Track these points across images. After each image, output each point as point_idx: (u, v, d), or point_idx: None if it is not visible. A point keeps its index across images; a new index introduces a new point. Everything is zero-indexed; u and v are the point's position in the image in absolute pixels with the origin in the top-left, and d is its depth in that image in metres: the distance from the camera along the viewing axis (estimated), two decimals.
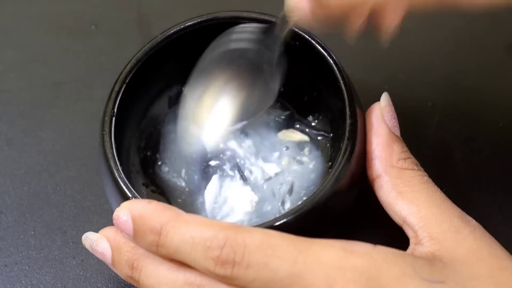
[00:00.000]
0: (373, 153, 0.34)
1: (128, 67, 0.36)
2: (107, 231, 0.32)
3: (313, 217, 0.31)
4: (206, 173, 0.37)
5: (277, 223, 0.31)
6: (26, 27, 0.50)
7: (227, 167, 0.37)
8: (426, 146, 0.44)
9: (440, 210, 0.32)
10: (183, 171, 0.38)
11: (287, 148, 0.38)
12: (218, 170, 0.37)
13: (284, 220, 0.31)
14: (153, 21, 0.49)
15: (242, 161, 0.37)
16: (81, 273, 0.39)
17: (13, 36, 0.49)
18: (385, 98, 0.35)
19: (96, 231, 0.39)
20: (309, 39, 0.36)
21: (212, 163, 0.38)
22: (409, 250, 0.31)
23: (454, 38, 0.50)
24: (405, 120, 0.39)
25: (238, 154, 0.38)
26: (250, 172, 0.37)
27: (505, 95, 0.47)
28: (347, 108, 0.33)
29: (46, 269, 0.39)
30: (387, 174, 0.33)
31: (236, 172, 0.37)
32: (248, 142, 0.38)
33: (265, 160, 0.37)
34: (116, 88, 0.35)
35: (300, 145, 0.38)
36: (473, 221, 0.32)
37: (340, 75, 0.34)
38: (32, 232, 0.40)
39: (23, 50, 0.48)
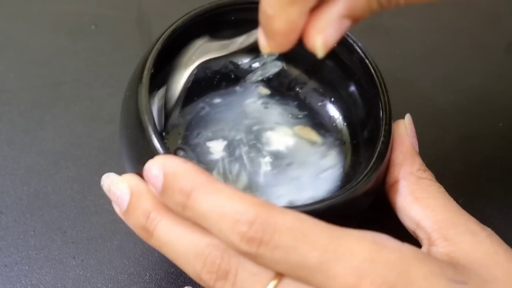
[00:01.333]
0: (395, 160, 0.34)
1: (173, 27, 0.35)
2: (131, 177, 0.31)
3: (340, 210, 0.31)
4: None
5: (309, 209, 0.30)
6: (26, 27, 0.50)
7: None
8: (426, 146, 0.44)
9: (456, 215, 0.32)
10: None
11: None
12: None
13: (316, 206, 0.31)
14: (153, 21, 0.50)
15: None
16: (81, 273, 0.39)
17: (13, 36, 0.49)
18: (408, 117, 0.36)
19: (96, 231, 0.40)
20: (349, 40, 0.36)
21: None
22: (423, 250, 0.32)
23: (454, 38, 0.50)
24: None
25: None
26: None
27: (505, 95, 0.47)
28: (383, 113, 0.35)
29: (46, 269, 0.39)
30: (406, 180, 0.34)
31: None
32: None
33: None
34: (158, 46, 0.34)
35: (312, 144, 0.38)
36: (489, 228, 0.32)
37: (378, 80, 0.36)
38: (32, 232, 0.40)
39: (23, 50, 0.48)
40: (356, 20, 0.29)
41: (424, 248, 0.32)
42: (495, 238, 0.31)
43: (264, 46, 0.30)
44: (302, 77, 0.40)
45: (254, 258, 0.27)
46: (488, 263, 0.30)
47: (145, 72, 0.33)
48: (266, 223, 0.27)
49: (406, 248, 0.28)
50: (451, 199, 0.33)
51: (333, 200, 0.31)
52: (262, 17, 0.29)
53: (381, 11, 0.29)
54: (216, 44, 0.36)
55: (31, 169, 0.42)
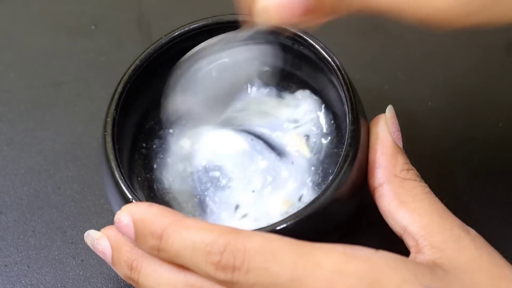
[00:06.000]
0: (377, 162, 0.34)
1: (132, 68, 0.36)
2: (108, 230, 0.33)
3: (313, 222, 0.31)
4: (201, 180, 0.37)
5: (278, 228, 0.31)
6: (26, 27, 0.50)
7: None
8: (426, 146, 0.44)
9: (441, 219, 0.32)
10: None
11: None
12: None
13: (285, 225, 0.31)
14: (153, 21, 0.49)
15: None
16: (81, 273, 0.39)
17: (13, 36, 0.49)
18: (390, 110, 0.36)
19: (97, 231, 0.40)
20: (313, 43, 0.36)
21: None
22: (410, 258, 0.31)
23: (454, 38, 0.50)
24: (405, 120, 0.39)
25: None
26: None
27: (505, 95, 0.47)
28: (349, 114, 0.33)
29: (46, 269, 0.39)
30: (390, 184, 0.33)
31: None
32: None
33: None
34: (119, 89, 0.35)
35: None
36: (473, 231, 0.32)
37: (343, 81, 0.34)
38: (32, 232, 0.40)
39: (23, 50, 0.48)
40: (311, 10, 0.29)
41: (411, 255, 0.31)
42: (479, 241, 0.31)
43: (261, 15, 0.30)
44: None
45: (232, 285, 0.28)
46: (471, 268, 0.30)
47: (108, 119, 0.34)
48: (235, 249, 0.28)
49: (378, 256, 0.28)
50: (436, 200, 0.33)
51: (301, 216, 0.31)
52: None
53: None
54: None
55: (31, 169, 0.42)
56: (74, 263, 0.39)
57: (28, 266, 0.39)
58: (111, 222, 0.38)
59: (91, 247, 0.33)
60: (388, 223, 0.33)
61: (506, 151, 0.44)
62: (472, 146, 0.44)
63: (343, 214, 0.34)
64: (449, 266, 0.30)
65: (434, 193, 0.33)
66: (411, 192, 0.33)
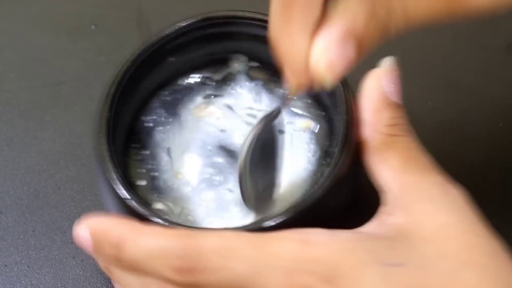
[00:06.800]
0: (362, 119, 0.33)
1: (123, 69, 0.36)
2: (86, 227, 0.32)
3: (309, 215, 0.31)
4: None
5: (272, 223, 0.31)
6: (26, 27, 0.50)
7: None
8: (426, 146, 0.44)
9: (421, 178, 0.31)
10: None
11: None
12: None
13: (280, 219, 0.31)
14: (152, 21, 0.50)
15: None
16: (81, 273, 0.39)
17: (13, 36, 0.49)
18: (386, 62, 0.34)
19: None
20: None
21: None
22: (375, 219, 0.30)
23: (454, 38, 0.50)
24: None
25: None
26: None
27: (505, 95, 0.47)
28: (343, 106, 0.33)
29: (46, 269, 0.39)
30: (373, 139, 0.32)
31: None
32: None
33: None
34: (112, 91, 0.35)
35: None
36: (455, 190, 0.30)
37: None
38: (32, 232, 0.40)
39: (23, 50, 0.48)
40: (362, 45, 0.28)
41: (380, 214, 0.31)
42: (456, 205, 0.30)
43: (290, 85, 0.30)
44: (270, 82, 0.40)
45: (193, 286, 0.28)
46: (438, 236, 0.28)
47: (102, 121, 0.34)
48: (192, 251, 0.28)
49: (334, 239, 0.28)
50: (421, 155, 0.32)
51: (296, 210, 0.31)
52: (276, 50, 0.29)
53: (387, 37, 0.29)
54: None
55: (31, 169, 0.42)
56: (74, 263, 0.39)
57: (28, 266, 0.39)
58: None
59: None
60: (371, 180, 0.32)
61: (506, 151, 0.44)
62: (472, 146, 0.44)
63: (337, 207, 0.34)
64: (415, 233, 0.28)
65: None
66: (393, 148, 0.32)
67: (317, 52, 0.28)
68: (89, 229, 0.30)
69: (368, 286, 0.27)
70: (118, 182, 0.33)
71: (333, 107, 0.36)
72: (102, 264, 0.32)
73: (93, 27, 0.50)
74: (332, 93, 0.35)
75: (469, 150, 0.44)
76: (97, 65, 0.47)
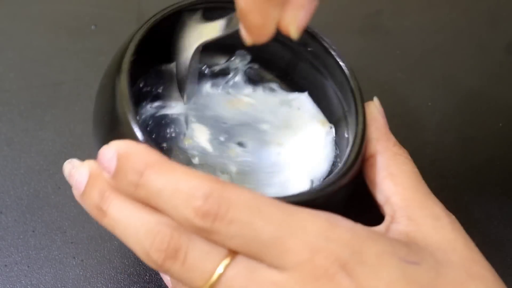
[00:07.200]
0: (370, 135, 0.34)
1: (149, 23, 0.35)
2: (91, 161, 0.31)
3: (325, 203, 0.31)
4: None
5: (294, 199, 0.30)
6: (26, 27, 0.50)
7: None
8: (426, 146, 0.44)
9: (424, 198, 0.32)
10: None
11: None
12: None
13: (303, 197, 0.30)
14: None
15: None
16: (81, 273, 0.39)
17: (13, 36, 0.49)
18: (377, 100, 0.36)
19: (96, 231, 0.40)
20: (324, 44, 0.37)
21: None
22: (382, 226, 0.31)
23: (454, 38, 0.50)
24: (405, 120, 0.40)
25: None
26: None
27: (505, 95, 0.47)
28: (359, 110, 0.34)
29: (46, 269, 0.39)
30: (382, 155, 0.33)
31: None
32: None
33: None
34: (138, 36, 0.34)
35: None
36: (453, 216, 0.32)
37: (351, 78, 0.36)
38: (32, 232, 0.40)
39: (23, 50, 0.48)
40: None
41: (385, 223, 0.32)
42: (457, 225, 0.31)
43: (246, 38, 0.30)
44: (275, 80, 0.41)
45: (208, 234, 0.27)
46: (445, 247, 0.30)
47: (125, 59, 0.33)
48: (221, 197, 0.26)
49: (359, 227, 0.28)
50: (423, 182, 0.33)
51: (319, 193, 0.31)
52: (239, 13, 0.29)
53: None
54: (208, 26, 0.36)
55: (31, 169, 0.42)
56: (74, 263, 0.39)
57: (28, 266, 0.39)
58: None
59: (67, 175, 0.32)
60: (371, 191, 0.34)
61: (506, 151, 0.44)
62: (472, 146, 0.44)
63: (341, 202, 0.34)
64: (423, 241, 0.30)
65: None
66: (400, 167, 0.33)
67: (289, 18, 0.29)
68: (116, 151, 0.28)
69: (387, 277, 0.27)
70: (137, 125, 0.31)
71: (346, 116, 0.37)
72: (94, 200, 0.30)
73: (93, 27, 0.50)
74: (348, 104, 0.36)
75: (469, 150, 0.44)
76: (97, 65, 0.47)
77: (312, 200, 0.30)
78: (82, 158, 0.43)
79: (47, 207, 0.41)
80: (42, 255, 0.39)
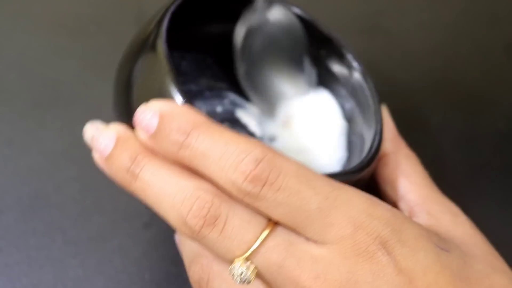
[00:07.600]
0: (384, 135, 0.34)
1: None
2: (118, 125, 0.29)
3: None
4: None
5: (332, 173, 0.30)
6: (26, 27, 0.50)
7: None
8: (426, 146, 0.44)
9: (439, 196, 0.33)
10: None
11: None
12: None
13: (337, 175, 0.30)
14: None
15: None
16: (81, 273, 0.39)
17: (13, 36, 0.49)
18: (384, 108, 0.37)
19: (96, 231, 0.40)
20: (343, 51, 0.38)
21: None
22: None
23: (454, 38, 0.50)
24: (405, 120, 0.40)
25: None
26: None
27: (505, 95, 0.47)
28: (376, 109, 0.35)
29: (46, 269, 0.39)
30: (395, 154, 0.34)
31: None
32: None
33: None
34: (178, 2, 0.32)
35: None
36: (465, 214, 0.33)
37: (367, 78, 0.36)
38: (32, 232, 0.40)
39: (23, 50, 0.48)
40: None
41: None
42: (473, 224, 0.32)
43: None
44: None
45: (254, 200, 0.26)
46: (467, 241, 0.30)
47: (167, 15, 0.31)
48: (272, 163, 0.26)
49: (396, 210, 0.28)
50: (434, 184, 0.34)
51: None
52: None
53: None
54: None
55: (31, 169, 0.42)
56: (74, 263, 0.39)
57: (28, 266, 0.39)
58: (111, 222, 0.39)
59: (88, 139, 0.30)
60: (383, 189, 0.34)
61: (506, 151, 0.44)
62: (472, 146, 0.44)
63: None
64: (445, 234, 0.30)
65: None
66: (414, 167, 0.34)
67: None
68: (159, 111, 0.27)
69: (424, 260, 0.26)
70: (180, 87, 0.28)
71: (355, 117, 0.37)
72: (123, 164, 0.28)
73: (93, 27, 0.50)
74: (368, 106, 0.36)
75: (469, 150, 0.44)
76: (97, 65, 0.47)
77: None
78: (83, 158, 0.43)
79: (47, 207, 0.41)
80: (42, 255, 0.39)
